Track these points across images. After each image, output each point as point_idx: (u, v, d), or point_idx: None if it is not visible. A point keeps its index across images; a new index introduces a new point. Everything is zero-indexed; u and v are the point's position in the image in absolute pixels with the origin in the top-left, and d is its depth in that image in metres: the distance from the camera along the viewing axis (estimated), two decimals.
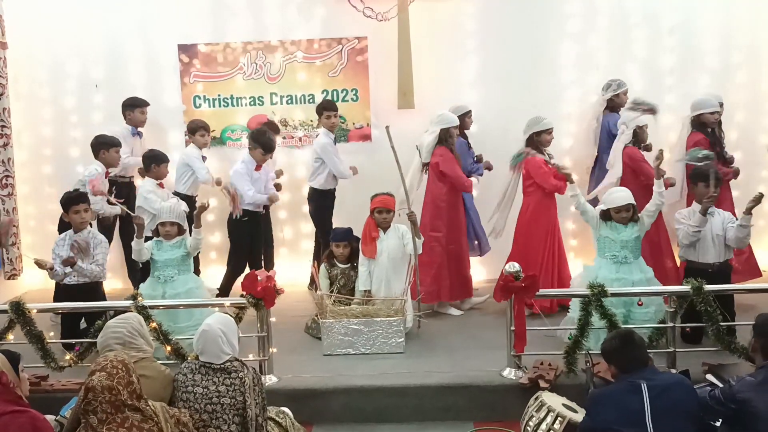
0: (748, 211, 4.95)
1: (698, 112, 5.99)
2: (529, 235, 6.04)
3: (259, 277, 4.69)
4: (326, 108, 6.64)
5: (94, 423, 3.18)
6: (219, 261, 7.17)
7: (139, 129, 6.91)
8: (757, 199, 4.92)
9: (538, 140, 5.99)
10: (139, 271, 6.71)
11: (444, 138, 5.93)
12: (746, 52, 7.01)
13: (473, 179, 6.20)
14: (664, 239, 6.00)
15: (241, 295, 4.77)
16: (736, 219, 5.18)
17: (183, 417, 3.48)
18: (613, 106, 6.54)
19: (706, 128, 6.02)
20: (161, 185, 6.24)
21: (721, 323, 4.54)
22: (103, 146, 6.22)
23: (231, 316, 4.25)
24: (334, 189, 6.75)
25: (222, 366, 3.75)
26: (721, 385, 4.10)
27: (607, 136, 6.46)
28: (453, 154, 5.97)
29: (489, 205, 6.42)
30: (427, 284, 5.86)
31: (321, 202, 6.71)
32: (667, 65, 7.07)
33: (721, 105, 6.28)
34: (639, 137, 6.02)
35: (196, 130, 6.77)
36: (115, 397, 3.20)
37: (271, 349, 4.78)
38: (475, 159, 6.61)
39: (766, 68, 6.99)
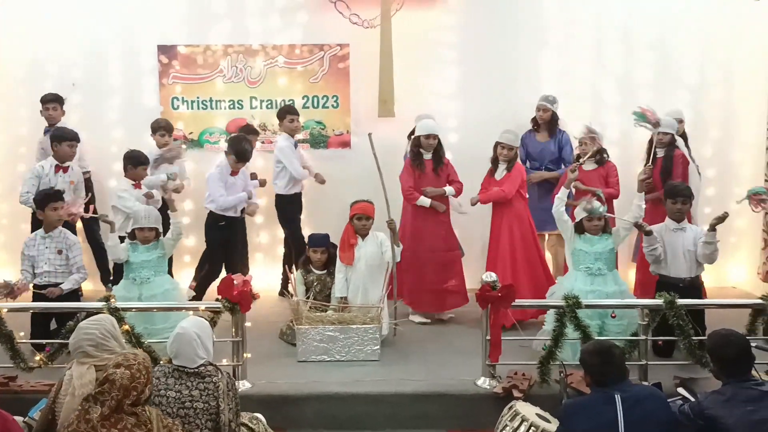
0: (712, 228, 5.02)
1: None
2: (496, 244, 6.06)
3: (235, 282, 4.66)
4: (289, 111, 6.65)
5: (94, 414, 3.18)
6: (193, 264, 7.09)
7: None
8: (721, 218, 4.99)
9: (497, 151, 6.03)
10: (109, 271, 6.68)
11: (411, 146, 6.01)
12: (722, 69, 7.12)
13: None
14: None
15: (217, 299, 4.73)
16: None
17: (175, 429, 3.45)
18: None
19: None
20: (137, 186, 6.17)
21: (693, 337, 4.60)
22: (56, 139, 6.12)
23: (206, 320, 4.22)
24: (300, 194, 6.73)
25: (196, 370, 3.71)
26: (692, 398, 4.16)
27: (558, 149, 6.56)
28: (413, 163, 6.00)
29: (470, 217, 6.45)
30: (405, 293, 5.85)
31: (287, 207, 6.70)
32: (644, 80, 7.16)
33: (681, 121, 6.32)
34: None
35: (156, 129, 6.72)
36: (125, 398, 3.23)
37: (245, 355, 4.75)
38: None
39: (740, 86, 7.10)
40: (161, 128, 6.71)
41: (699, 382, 4.48)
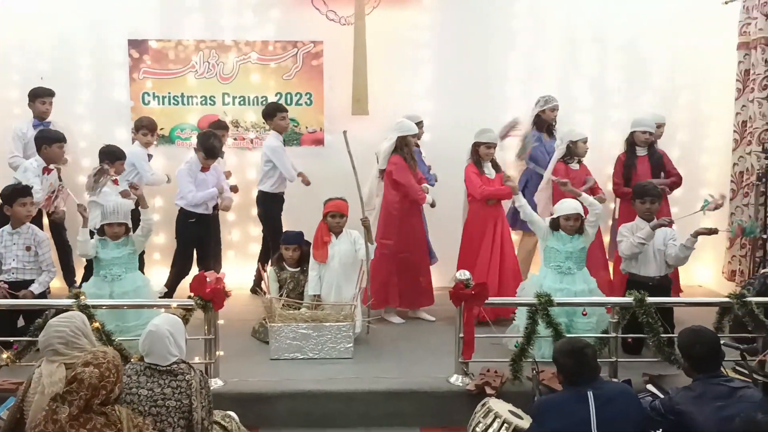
0: (696, 235, 5.10)
1: (631, 129, 6.16)
2: (471, 243, 6.11)
3: (208, 279, 4.61)
4: (279, 109, 6.60)
5: (62, 414, 3.11)
6: (163, 262, 7.03)
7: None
8: (711, 232, 5.09)
9: (479, 151, 6.04)
10: (73, 270, 6.57)
11: (400, 146, 5.93)
12: (690, 73, 7.23)
13: (425, 186, 6.19)
14: (600, 251, 6.16)
15: (189, 297, 4.68)
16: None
17: (146, 429, 3.40)
18: (539, 122, 6.64)
19: (633, 146, 6.17)
20: (115, 182, 6.07)
21: (662, 335, 4.68)
22: (45, 141, 6.03)
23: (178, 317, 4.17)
24: (284, 192, 6.71)
25: (168, 368, 3.67)
26: (661, 395, 4.24)
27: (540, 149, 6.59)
28: (407, 162, 5.96)
29: (443, 216, 6.46)
30: (374, 290, 5.87)
31: (271, 206, 6.66)
32: (614, 83, 7.25)
33: (662, 125, 6.49)
34: (573, 152, 6.18)
35: (139, 128, 6.63)
36: (94, 398, 3.17)
37: (217, 353, 4.71)
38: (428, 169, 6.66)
39: (708, 90, 7.23)
40: (144, 127, 6.62)
41: (667, 379, 4.57)
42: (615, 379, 4.64)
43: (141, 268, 5.72)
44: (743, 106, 6.67)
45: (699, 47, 7.13)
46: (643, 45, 7.20)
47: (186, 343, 3.90)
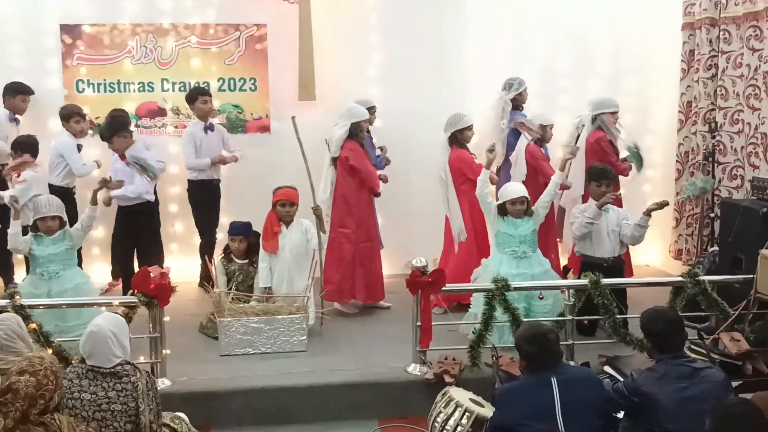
0: (648, 213, 5.10)
1: (599, 111, 6.14)
2: (475, 236, 5.92)
3: (152, 274, 4.39)
4: (201, 92, 6.35)
5: None
6: (102, 257, 6.76)
7: (17, 116, 6.39)
8: (662, 205, 5.09)
9: (461, 137, 5.89)
10: (11, 268, 6.25)
11: (354, 132, 5.76)
12: (636, 58, 7.26)
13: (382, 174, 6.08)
14: (552, 233, 6.15)
15: (132, 293, 4.45)
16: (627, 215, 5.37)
17: None
18: (516, 105, 6.61)
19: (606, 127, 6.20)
20: (18, 174, 5.72)
21: (617, 316, 4.68)
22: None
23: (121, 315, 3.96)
24: (212, 180, 6.44)
25: (112, 370, 3.50)
26: (618, 376, 4.24)
27: (513, 135, 6.51)
28: (363, 149, 5.82)
29: (390, 202, 6.37)
30: (336, 282, 5.71)
31: (197, 193, 6.43)
32: (562, 68, 7.24)
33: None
34: (543, 136, 6.16)
35: (70, 116, 6.29)
36: (32, 408, 2.97)
37: (164, 351, 4.49)
38: (379, 151, 6.53)
39: (652, 74, 7.27)
40: (75, 114, 6.31)
41: (623, 360, 4.58)
42: (572, 362, 4.63)
43: (80, 263, 5.43)
44: (688, 86, 6.73)
45: (644, 32, 7.16)
46: (591, 31, 7.17)
47: (130, 343, 3.72)
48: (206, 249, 6.42)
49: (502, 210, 5.26)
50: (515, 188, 5.26)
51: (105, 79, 6.78)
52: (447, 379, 4.48)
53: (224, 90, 6.88)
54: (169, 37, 6.79)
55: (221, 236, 6.51)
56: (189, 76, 6.84)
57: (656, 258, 7.45)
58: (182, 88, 6.79)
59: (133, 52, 6.77)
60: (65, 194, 5.93)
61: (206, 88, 6.56)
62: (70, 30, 6.69)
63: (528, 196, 5.23)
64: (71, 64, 6.73)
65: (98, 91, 6.79)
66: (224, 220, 6.49)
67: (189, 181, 6.43)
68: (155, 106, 6.74)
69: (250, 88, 6.92)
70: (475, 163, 5.82)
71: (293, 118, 5.42)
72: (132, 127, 6.64)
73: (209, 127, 6.37)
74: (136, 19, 6.76)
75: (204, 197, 6.43)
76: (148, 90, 6.81)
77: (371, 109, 6.37)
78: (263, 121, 6.99)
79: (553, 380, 3.33)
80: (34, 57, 6.70)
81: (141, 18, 6.76)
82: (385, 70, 7.00)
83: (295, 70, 6.71)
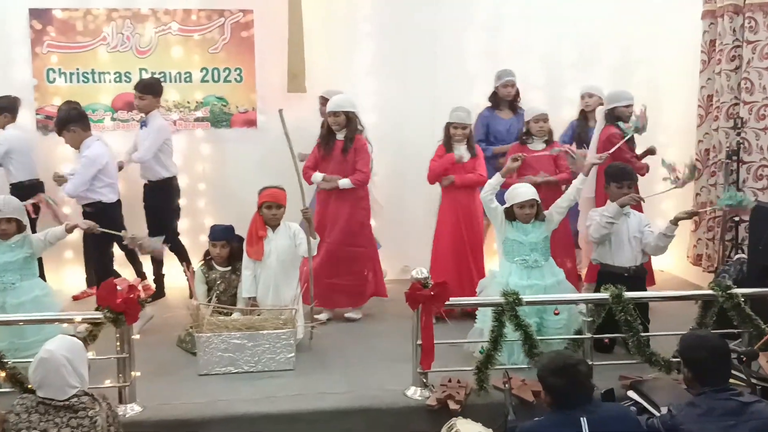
0: (675, 222, 4.67)
1: (612, 105, 5.69)
2: (440, 237, 5.58)
3: (119, 287, 3.89)
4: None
5: None
6: (76, 261, 6.28)
7: None
8: (692, 214, 4.69)
9: (449, 131, 5.47)
10: None
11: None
12: (646, 48, 6.83)
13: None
14: (567, 239, 5.68)
15: (96, 309, 3.95)
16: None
17: None
18: (493, 99, 6.26)
19: (620, 122, 5.75)
20: None
21: (641, 334, 4.22)
22: None
23: (77, 337, 3.47)
24: (168, 179, 5.91)
25: (67, 403, 3.08)
26: (644, 403, 3.78)
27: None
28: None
29: (388, 201, 6.00)
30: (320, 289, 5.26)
31: (155, 194, 5.94)
32: (568, 59, 6.81)
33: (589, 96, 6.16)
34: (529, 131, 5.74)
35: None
36: None
37: (133, 373, 3.99)
38: None
39: (667, 66, 6.84)
40: (3, 109, 5.86)
41: (649, 385, 4.09)
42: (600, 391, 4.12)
43: (41, 273, 4.92)
44: (708, 79, 6.30)
45: (654, 20, 6.72)
46: (597, 20, 6.73)
47: (90, 369, 3.30)
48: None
49: (510, 214, 4.77)
50: (524, 190, 4.75)
51: (78, 69, 6.36)
52: (451, 405, 3.99)
53: (207, 81, 6.47)
54: (147, 24, 6.38)
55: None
56: (169, 65, 6.42)
57: (672, 263, 6.97)
58: (162, 79, 6.31)
59: (108, 39, 6.35)
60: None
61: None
62: (39, 15, 6.26)
63: (539, 199, 4.73)
64: (41, 52, 6.30)
65: (71, 81, 6.36)
66: (206, 223, 6.05)
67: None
68: (132, 98, 6.20)
69: (236, 79, 6.50)
70: (434, 162, 5.48)
71: (281, 111, 4.97)
72: (108, 121, 6.24)
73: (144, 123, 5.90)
74: (112, 3, 6.36)
75: (161, 197, 5.95)
76: (125, 80, 6.36)
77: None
78: (249, 114, 6.56)
79: (583, 421, 2.85)
80: (0, 44, 6.25)
81: (117, 2, 6.36)
82: (379, 60, 6.58)
83: (284, 60, 6.27)
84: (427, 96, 6.40)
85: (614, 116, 5.66)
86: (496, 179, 4.79)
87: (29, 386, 3.45)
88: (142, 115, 5.88)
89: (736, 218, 5.76)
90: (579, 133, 6.20)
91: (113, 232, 5.01)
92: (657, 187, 5.49)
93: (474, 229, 5.52)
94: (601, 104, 6.10)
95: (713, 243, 6.17)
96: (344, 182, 5.36)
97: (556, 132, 6.01)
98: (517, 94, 6.24)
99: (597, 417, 2.88)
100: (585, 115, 6.25)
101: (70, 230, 4.72)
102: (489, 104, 6.30)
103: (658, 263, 6.83)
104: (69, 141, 5.46)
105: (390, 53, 6.56)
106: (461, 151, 5.46)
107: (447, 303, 4.14)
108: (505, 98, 6.20)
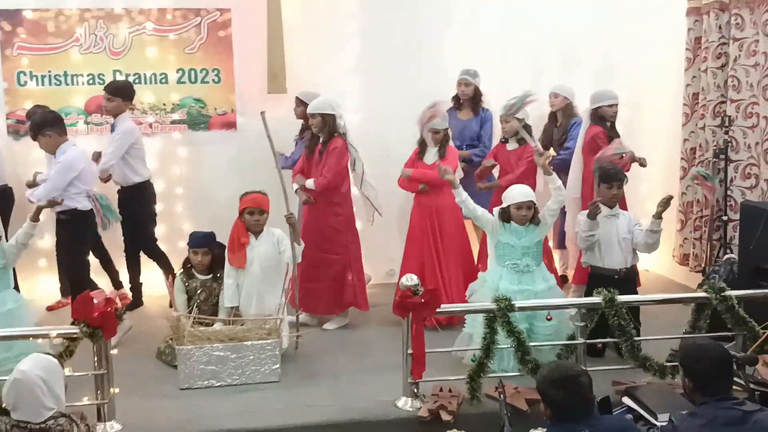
0: (658, 215, 4.59)
1: (597, 104, 5.64)
2: (412, 240, 5.48)
3: (95, 300, 3.72)
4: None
5: None
6: (50, 270, 6.06)
7: None
8: (666, 202, 4.58)
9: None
10: None
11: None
12: (629, 47, 6.70)
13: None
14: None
15: (72, 322, 3.77)
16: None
17: None
18: (456, 103, 6.15)
19: (604, 122, 5.68)
20: None
21: (635, 338, 4.14)
22: None
23: (52, 355, 3.30)
24: (142, 184, 5.71)
25: (42, 425, 2.93)
26: (640, 409, 3.68)
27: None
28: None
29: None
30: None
31: (130, 200, 5.73)
32: (550, 58, 6.67)
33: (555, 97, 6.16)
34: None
35: None
36: None
37: (111, 390, 3.82)
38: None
39: (650, 64, 6.73)
40: None
41: (642, 390, 4.00)
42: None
43: (15, 284, 4.73)
44: (694, 77, 6.22)
45: (637, 21, 6.61)
46: (578, 21, 6.61)
47: (67, 389, 3.12)
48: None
49: (505, 215, 4.65)
50: (522, 191, 4.61)
51: (50, 71, 6.13)
52: (444, 416, 3.88)
53: (184, 82, 6.26)
54: (121, 24, 6.16)
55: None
56: (144, 66, 6.21)
57: (656, 262, 6.90)
58: (137, 81, 6.13)
59: (81, 40, 6.13)
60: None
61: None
62: (9, 15, 6.03)
63: (536, 201, 4.62)
64: (11, 54, 6.07)
65: (42, 84, 6.13)
66: (185, 229, 5.87)
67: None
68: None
69: (213, 80, 6.31)
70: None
71: (262, 113, 4.80)
72: (81, 125, 6.04)
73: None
74: (85, 3, 6.12)
75: (135, 202, 5.73)
76: (99, 82, 6.12)
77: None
78: (228, 116, 6.37)
79: None
80: None
81: (90, 2, 6.13)
82: (362, 60, 6.42)
83: (264, 60, 6.10)
84: (409, 95, 6.11)
85: (598, 116, 5.62)
86: (458, 195, 4.67)
87: (3, 406, 3.29)
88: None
89: (725, 217, 5.71)
90: (546, 131, 6.27)
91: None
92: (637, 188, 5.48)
93: (446, 232, 5.35)
94: (568, 104, 6.16)
95: (700, 242, 6.11)
96: (309, 182, 5.26)
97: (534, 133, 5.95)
98: (478, 94, 6.06)
99: (599, 430, 2.77)
100: (554, 115, 6.23)
101: (35, 218, 4.50)
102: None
103: (642, 263, 6.80)
104: (44, 146, 5.21)
105: (373, 53, 6.39)
106: (434, 154, 5.36)
107: (438, 310, 4.03)
108: (461, 97, 6.07)
